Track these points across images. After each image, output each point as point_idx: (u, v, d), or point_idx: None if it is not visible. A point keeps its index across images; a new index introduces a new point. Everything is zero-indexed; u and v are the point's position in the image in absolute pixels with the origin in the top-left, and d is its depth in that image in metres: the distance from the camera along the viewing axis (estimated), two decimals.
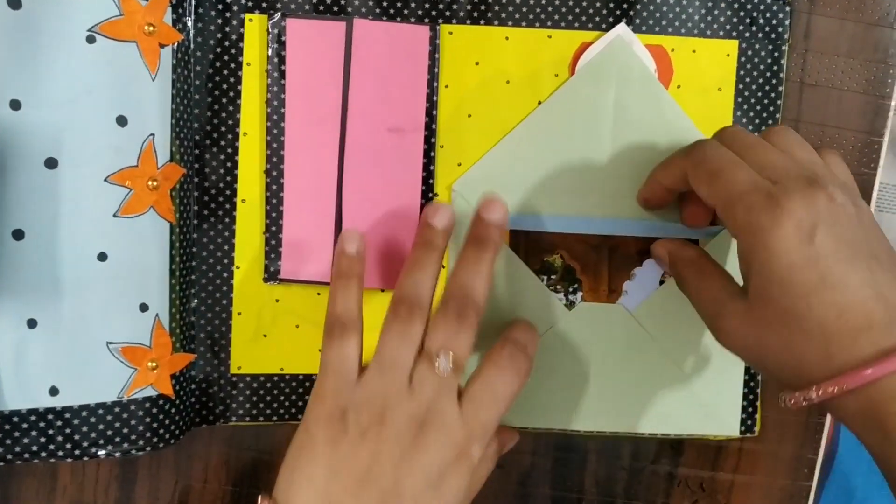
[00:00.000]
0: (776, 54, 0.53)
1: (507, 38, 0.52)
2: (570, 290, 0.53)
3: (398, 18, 0.51)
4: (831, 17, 0.54)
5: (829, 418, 0.58)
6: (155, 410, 0.49)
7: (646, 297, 0.53)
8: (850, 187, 0.42)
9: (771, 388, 0.56)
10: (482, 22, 0.52)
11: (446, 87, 0.52)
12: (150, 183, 0.48)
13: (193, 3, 0.50)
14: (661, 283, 0.53)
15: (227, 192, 0.52)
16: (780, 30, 0.53)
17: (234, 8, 0.50)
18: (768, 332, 0.39)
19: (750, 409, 0.55)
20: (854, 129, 0.55)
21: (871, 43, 0.55)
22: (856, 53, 0.55)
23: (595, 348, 0.54)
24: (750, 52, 0.53)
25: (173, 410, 0.50)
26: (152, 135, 0.48)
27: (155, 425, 0.49)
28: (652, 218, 0.52)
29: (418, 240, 0.47)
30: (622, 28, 0.52)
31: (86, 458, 0.48)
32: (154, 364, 0.49)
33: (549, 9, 0.52)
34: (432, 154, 0.52)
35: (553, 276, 0.53)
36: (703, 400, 0.54)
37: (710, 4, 0.52)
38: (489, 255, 0.45)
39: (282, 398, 0.53)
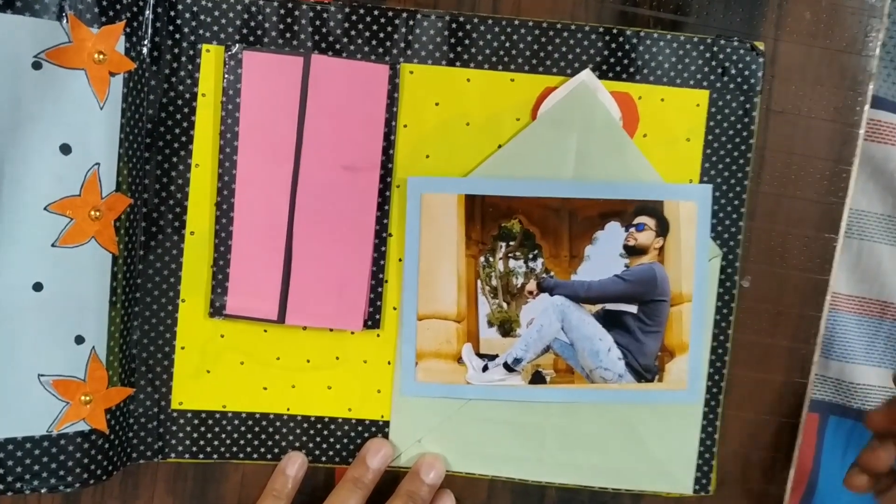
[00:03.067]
0: (748, 106, 0.51)
1: (468, 80, 0.50)
2: (530, 256, 0.51)
3: (358, 56, 0.50)
4: (798, 44, 0.52)
5: (791, 478, 0.56)
6: (87, 445, 0.48)
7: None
8: None
9: (729, 444, 0.54)
10: (444, 62, 0.50)
11: (405, 126, 0.51)
12: (92, 213, 0.46)
13: (150, 31, 0.49)
14: (625, 247, 0.51)
15: (176, 224, 0.51)
16: (753, 81, 0.51)
17: (192, 38, 0.49)
18: None
19: (705, 468, 0.53)
20: (822, 157, 0.53)
21: (839, 69, 0.53)
22: (823, 80, 0.53)
23: (552, 412, 0.52)
24: (721, 103, 0.51)
25: (107, 446, 0.48)
26: (97, 164, 0.46)
27: (86, 461, 0.48)
28: (613, 178, 0.50)
29: (348, 474, 0.51)
30: (587, 74, 0.50)
31: (10, 493, 0.46)
32: (88, 398, 0.47)
33: (513, 52, 0.50)
34: (388, 193, 0.51)
35: (511, 243, 0.51)
36: (657, 456, 0.53)
37: (680, 53, 0.51)
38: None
39: (223, 436, 0.52)
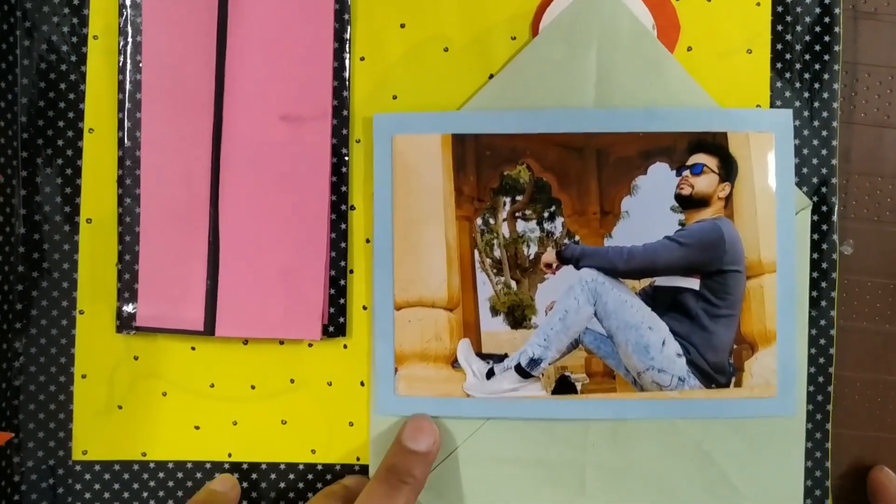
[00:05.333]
0: (827, 2, 0.39)
1: None
2: (545, 215, 0.39)
3: None
4: None
5: None
6: None
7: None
8: None
9: (841, 466, 0.39)
10: None
11: (362, 59, 0.40)
12: None
13: None
14: (678, 197, 0.38)
15: (67, 209, 0.41)
16: None
17: None
18: None
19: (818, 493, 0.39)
20: None
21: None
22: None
23: (595, 440, 0.39)
24: (790, 0, 0.39)
25: None
26: None
27: None
28: (658, 103, 0.38)
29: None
30: None
31: None
32: None
33: None
34: (345, 151, 0.40)
35: (519, 198, 0.39)
36: (745, 494, 0.40)
37: None
38: (403, 497, 0.36)
39: (144, 494, 0.40)
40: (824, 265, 0.39)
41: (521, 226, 0.39)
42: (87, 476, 0.40)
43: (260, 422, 0.40)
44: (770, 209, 0.38)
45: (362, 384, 0.40)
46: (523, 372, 0.38)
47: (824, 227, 0.39)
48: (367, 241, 0.39)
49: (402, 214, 0.39)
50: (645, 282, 0.39)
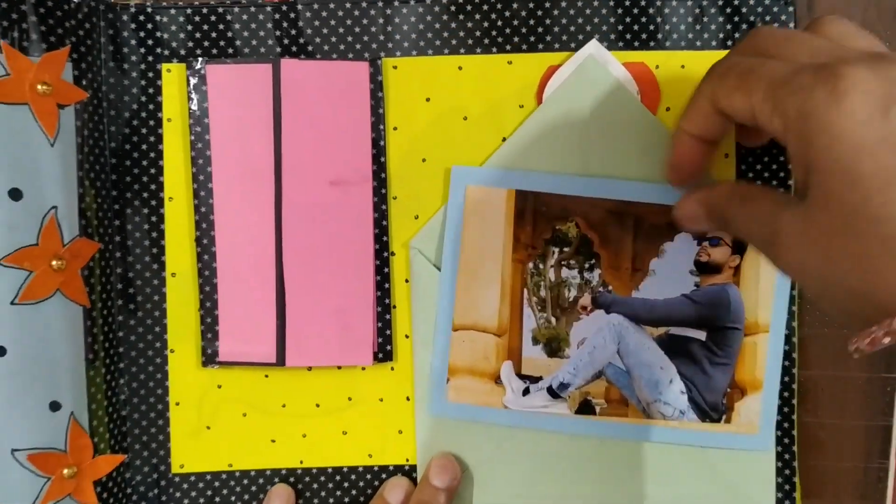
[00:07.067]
0: None
1: (460, 68, 0.45)
2: (586, 266, 0.44)
3: (334, 55, 0.44)
4: None
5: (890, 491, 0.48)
6: None
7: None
8: None
9: (812, 458, 0.46)
10: (431, 52, 0.45)
11: (395, 129, 0.45)
12: (54, 263, 0.41)
13: (103, 56, 0.44)
14: (696, 263, 0.44)
15: (155, 266, 0.46)
16: None
17: (150, 58, 0.45)
18: (831, 242, 0.29)
19: (787, 487, 0.46)
20: None
21: (890, 10, 0.46)
22: (872, 23, 0.46)
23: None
24: None
25: None
26: (54, 207, 0.42)
27: None
28: (643, 164, 0.43)
29: (416, 502, 0.44)
30: (594, 46, 0.44)
31: None
32: (72, 470, 0.42)
33: (507, 30, 0.44)
34: (384, 207, 0.45)
35: (566, 249, 0.44)
36: (729, 478, 0.46)
37: (697, 11, 0.45)
38: None
39: (232, 498, 0.46)
40: (787, 281, 0.46)
41: (564, 272, 0.45)
42: (185, 486, 0.46)
43: (324, 433, 0.46)
44: (770, 281, 0.44)
45: (408, 399, 0.46)
46: (553, 393, 0.45)
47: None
48: (406, 280, 0.46)
49: (468, 252, 0.44)
50: (661, 330, 0.45)
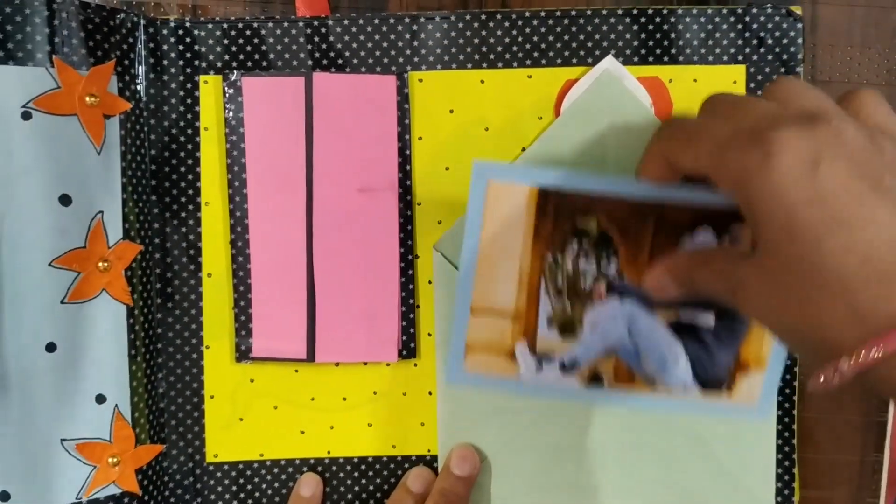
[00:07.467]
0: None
1: (482, 82, 0.47)
2: (605, 258, 0.45)
3: (363, 69, 0.47)
4: (839, 5, 0.48)
5: (884, 482, 0.50)
6: None
7: None
8: (885, 129, 0.33)
9: (810, 450, 0.49)
10: (454, 66, 0.47)
11: (420, 139, 0.48)
12: (100, 264, 0.44)
13: (143, 68, 0.46)
14: None
15: (192, 267, 0.48)
16: (793, 49, 0.47)
17: (188, 70, 0.47)
18: (782, 290, 0.31)
19: (786, 477, 0.49)
20: None
21: (888, 29, 0.48)
22: (871, 42, 0.48)
23: (602, 417, 0.48)
24: (760, 77, 0.47)
25: None
26: (101, 212, 0.44)
27: None
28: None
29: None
30: (609, 61, 0.47)
31: None
32: (116, 459, 0.45)
33: (528, 46, 0.47)
34: (409, 213, 0.48)
35: (585, 242, 0.45)
36: (731, 469, 0.48)
37: (710, 27, 0.47)
38: None
39: (263, 486, 0.49)
40: None
41: (582, 264, 0.45)
42: (219, 474, 0.49)
43: (351, 425, 0.49)
44: None
45: (430, 393, 0.49)
46: (565, 368, 0.46)
47: None
48: (429, 282, 0.48)
49: (486, 244, 0.44)
50: (672, 316, 0.46)
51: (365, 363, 0.49)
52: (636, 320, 0.46)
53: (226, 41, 0.47)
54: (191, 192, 0.48)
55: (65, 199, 0.43)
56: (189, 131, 0.48)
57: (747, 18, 0.47)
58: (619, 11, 0.47)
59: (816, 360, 0.31)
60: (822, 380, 0.31)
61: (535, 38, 0.47)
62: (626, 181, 0.42)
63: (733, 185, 0.32)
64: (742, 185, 0.31)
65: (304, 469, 0.49)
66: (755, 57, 0.47)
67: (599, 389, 0.47)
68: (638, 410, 0.48)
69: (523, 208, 0.44)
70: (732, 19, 0.47)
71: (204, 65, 0.47)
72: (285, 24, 0.47)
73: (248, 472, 0.49)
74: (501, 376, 0.46)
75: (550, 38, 0.47)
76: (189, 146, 0.48)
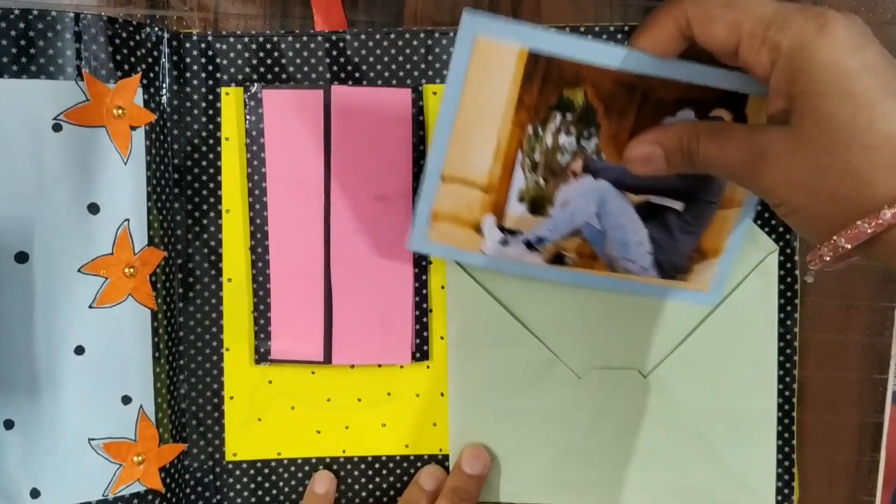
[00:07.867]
0: None
1: None
2: (585, 134, 0.43)
3: (379, 82, 0.49)
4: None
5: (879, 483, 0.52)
6: None
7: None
8: None
9: (809, 449, 0.51)
10: None
11: None
12: (126, 270, 0.46)
13: (168, 80, 0.48)
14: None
15: (213, 272, 0.50)
16: None
17: (210, 83, 0.49)
18: (821, 155, 0.33)
19: (786, 476, 0.50)
20: None
21: (886, 43, 0.49)
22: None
23: (609, 419, 0.50)
24: None
25: None
26: (127, 220, 0.46)
27: None
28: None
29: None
30: None
31: None
32: (140, 458, 0.47)
33: None
34: None
35: (569, 115, 0.43)
36: (734, 469, 0.50)
37: None
38: None
39: (281, 484, 0.51)
40: (789, 293, 0.50)
41: (562, 139, 0.44)
42: (238, 472, 0.50)
43: (366, 425, 0.50)
44: None
45: (442, 395, 0.50)
46: (531, 246, 0.46)
47: (789, 264, 0.50)
48: (442, 287, 0.50)
49: (467, 106, 0.42)
50: (642, 198, 0.45)
51: (379, 365, 0.50)
52: (607, 201, 0.45)
53: (247, 54, 0.48)
54: (212, 199, 0.49)
55: (93, 208, 0.45)
56: (211, 141, 0.49)
57: None
58: (626, 28, 0.48)
59: (850, 216, 0.33)
60: (855, 231, 0.33)
61: None
62: (623, 51, 0.40)
63: (779, 58, 0.34)
64: (793, 55, 0.34)
65: (320, 467, 0.51)
66: None
67: (561, 268, 0.47)
68: (595, 289, 0.49)
69: (510, 72, 0.41)
70: None
71: (225, 77, 0.49)
72: (304, 39, 0.48)
73: (266, 471, 0.51)
74: (465, 248, 0.46)
75: None
76: (211, 156, 0.49)
